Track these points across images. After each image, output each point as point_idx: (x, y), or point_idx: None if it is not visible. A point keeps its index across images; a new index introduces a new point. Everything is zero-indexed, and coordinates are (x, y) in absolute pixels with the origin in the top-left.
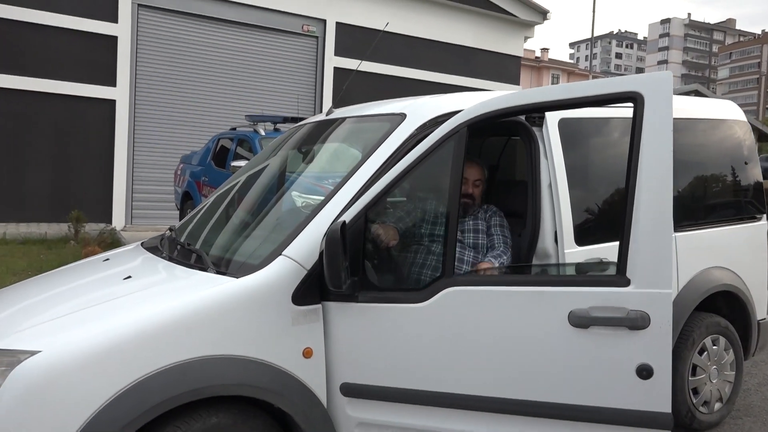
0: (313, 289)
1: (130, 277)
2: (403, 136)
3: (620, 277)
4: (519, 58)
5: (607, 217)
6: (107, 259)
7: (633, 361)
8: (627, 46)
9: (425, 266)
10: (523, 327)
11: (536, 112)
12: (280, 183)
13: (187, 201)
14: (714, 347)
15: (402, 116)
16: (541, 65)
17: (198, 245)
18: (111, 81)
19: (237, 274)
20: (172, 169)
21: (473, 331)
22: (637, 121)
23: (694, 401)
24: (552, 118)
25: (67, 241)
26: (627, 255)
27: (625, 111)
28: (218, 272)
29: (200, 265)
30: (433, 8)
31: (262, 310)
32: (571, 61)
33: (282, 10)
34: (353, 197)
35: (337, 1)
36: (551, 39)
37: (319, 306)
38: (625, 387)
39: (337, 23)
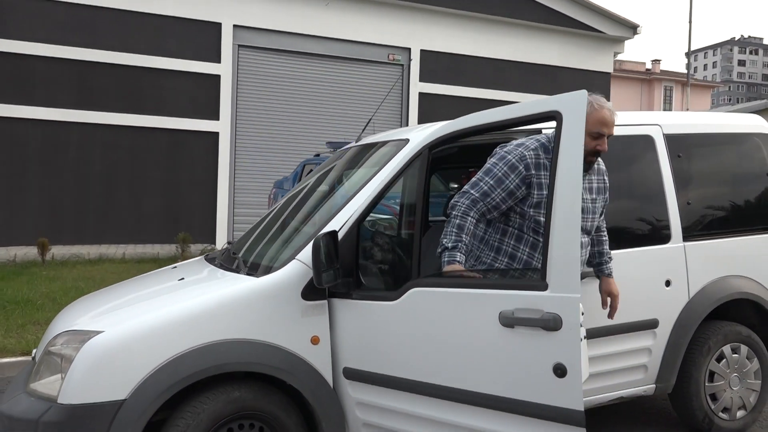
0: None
1: (183, 278)
2: (404, 159)
3: (541, 282)
4: (608, 74)
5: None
6: (175, 267)
7: (550, 360)
8: (751, 53)
9: (402, 268)
10: (464, 325)
11: (477, 134)
12: (311, 200)
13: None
14: (734, 355)
15: (405, 141)
16: (652, 77)
17: (240, 253)
18: (214, 115)
19: (259, 274)
20: (267, 194)
21: (428, 326)
22: (557, 137)
23: (713, 407)
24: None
25: (176, 259)
26: (547, 261)
27: (639, 129)
28: (247, 273)
29: (236, 268)
30: (516, 30)
31: (276, 303)
32: (687, 71)
33: (369, 41)
34: (357, 211)
35: (421, 30)
36: (664, 49)
37: (325, 301)
38: (543, 383)
39: (422, 50)
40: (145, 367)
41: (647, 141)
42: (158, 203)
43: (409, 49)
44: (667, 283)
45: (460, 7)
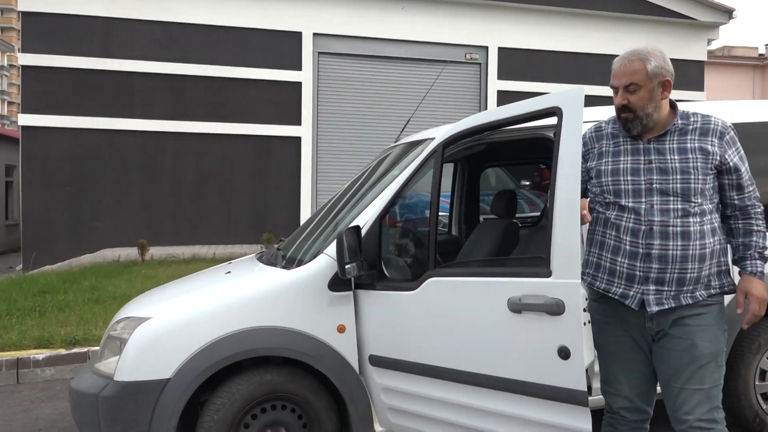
0: (348, 279)
1: (229, 272)
2: (422, 157)
3: (545, 269)
4: (701, 62)
5: None
6: (231, 263)
7: (555, 343)
8: None
9: (422, 259)
10: (476, 311)
11: (486, 131)
12: (346, 198)
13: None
14: None
15: (432, 139)
16: (765, 63)
17: (283, 250)
18: (297, 120)
19: (291, 267)
20: None
21: (444, 313)
22: (557, 132)
23: (765, 407)
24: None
25: None
26: (551, 249)
27: None
28: (283, 267)
29: (275, 263)
30: (599, 21)
31: (304, 294)
32: None
33: (446, 42)
34: (380, 207)
35: (498, 28)
36: None
37: (351, 292)
38: (550, 365)
39: (499, 48)
40: (187, 350)
41: None
42: (246, 206)
43: (487, 47)
44: None
45: (539, 2)
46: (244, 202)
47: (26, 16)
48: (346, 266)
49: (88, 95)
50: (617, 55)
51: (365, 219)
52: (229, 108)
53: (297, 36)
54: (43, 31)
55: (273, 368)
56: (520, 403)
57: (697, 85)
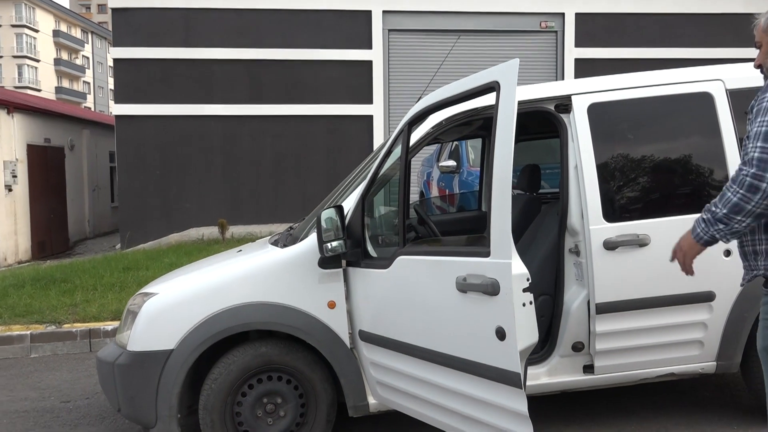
0: (335, 256)
1: (240, 251)
2: (394, 136)
3: (486, 249)
4: None
5: (637, 195)
6: (251, 245)
7: (492, 323)
8: None
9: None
10: (431, 289)
11: (438, 110)
12: (349, 180)
13: (421, 198)
14: None
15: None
16: None
17: (295, 230)
18: (368, 99)
19: (286, 246)
20: (418, 172)
21: (408, 291)
22: (495, 107)
23: None
24: (580, 103)
25: None
26: (489, 228)
27: (657, 90)
28: (283, 246)
29: (278, 243)
30: None
31: (296, 271)
32: None
33: (519, 11)
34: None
35: None
36: None
37: (340, 270)
38: (489, 345)
39: (576, 14)
40: (189, 323)
41: (705, 99)
42: (320, 184)
43: (563, 14)
44: (727, 253)
45: None
46: (319, 180)
47: (116, 12)
48: (325, 244)
49: (173, 84)
50: (708, 14)
51: (349, 198)
52: (302, 90)
53: (367, 15)
54: (131, 25)
55: (268, 341)
56: (462, 380)
57: None
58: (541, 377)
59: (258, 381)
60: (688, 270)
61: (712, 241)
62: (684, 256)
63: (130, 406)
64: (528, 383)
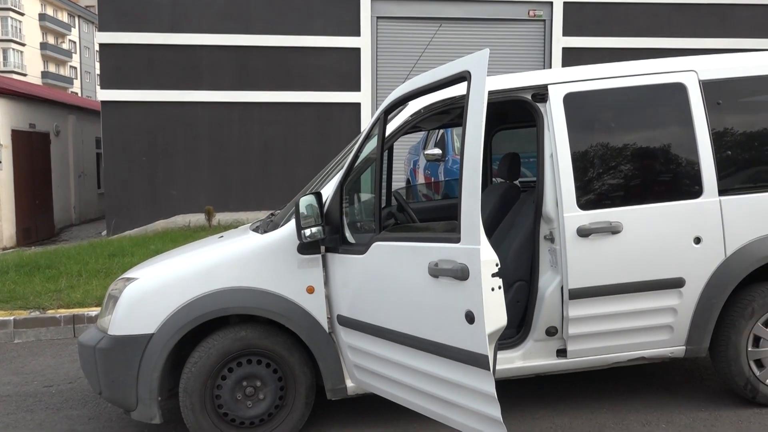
0: (314, 242)
1: (222, 237)
2: (370, 124)
3: (457, 235)
4: None
5: (610, 183)
6: (235, 230)
7: (462, 307)
8: None
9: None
10: (405, 274)
11: (413, 98)
12: (330, 167)
13: (408, 186)
14: None
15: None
16: None
17: (277, 216)
18: (356, 87)
19: (267, 232)
20: (405, 160)
21: (383, 276)
22: (466, 96)
23: (757, 374)
24: (556, 93)
25: None
26: (460, 214)
27: (632, 81)
28: (263, 233)
29: (259, 229)
30: None
31: (275, 257)
32: None
33: (507, 0)
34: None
35: None
36: None
37: (319, 255)
38: (459, 329)
39: (565, 3)
40: (169, 307)
41: (678, 89)
42: (309, 171)
43: (551, 2)
44: (697, 241)
45: None
46: (307, 168)
47: None
48: (304, 230)
49: (160, 70)
50: (696, 4)
51: (328, 186)
52: (290, 77)
53: (355, 1)
54: (117, 10)
55: (248, 325)
56: (439, 364)
57: None
58: (515, 361)
59: (238, 365)
60: None
61: None
62: None
63: (111, 390)
64: (503, 367)
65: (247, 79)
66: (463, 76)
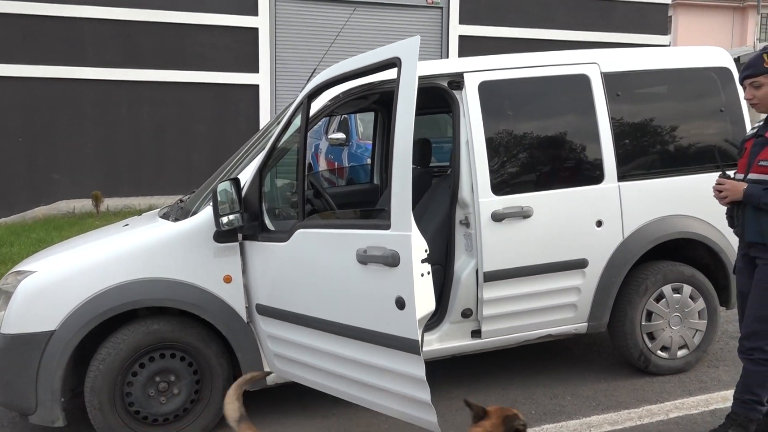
0: (231, 230)
1: (127, 225)
2: (292, 109)
3: (386, 221)
4: (665, 5)
5: (522, 169)
6: (139, 218)
7: (393, 293)
8: None
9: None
10: (332, 262)
11: (339, 83)
12: (244, 152)
13: (309, 171)
14: (676, 295)
15: None
16: (746, 4)
17: (187, 203)
18: (254, 68)
19: (178, 220)
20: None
21: (308, 264)
22: (397, 83)
23: (649, 345)
24: (472, 81)
25: None
26: (390, 201)
27: (541, 71)
28: (175, 220)
29: (168, 216)
30: None
31: (190, 245)
32: None
33: None
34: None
35: None
36: None
37: (237, 243)
38: (389, 315)
39: None
40: (72, 302)
41: (582, 80)
42: (205, 155)
43: None
44: (599, 224)
45: None
46: (204, 151)
47: None
48: (221, 218)
49: (39, 43)
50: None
51: (246, 172)
52: (184, 55)
53: None
54: None
55: (160, 318)
56: (368, 350)
57: (660, 28)
58: (433, 343)
59: (150, 359)
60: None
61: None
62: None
63: (6, 393)
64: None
65: (136, 57)
66: (393, 63)
